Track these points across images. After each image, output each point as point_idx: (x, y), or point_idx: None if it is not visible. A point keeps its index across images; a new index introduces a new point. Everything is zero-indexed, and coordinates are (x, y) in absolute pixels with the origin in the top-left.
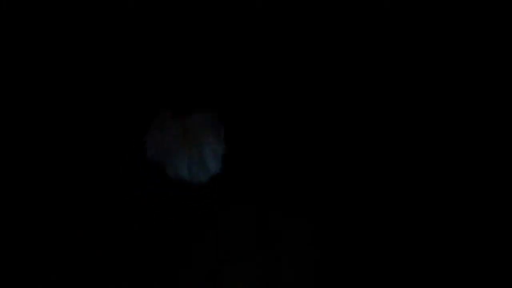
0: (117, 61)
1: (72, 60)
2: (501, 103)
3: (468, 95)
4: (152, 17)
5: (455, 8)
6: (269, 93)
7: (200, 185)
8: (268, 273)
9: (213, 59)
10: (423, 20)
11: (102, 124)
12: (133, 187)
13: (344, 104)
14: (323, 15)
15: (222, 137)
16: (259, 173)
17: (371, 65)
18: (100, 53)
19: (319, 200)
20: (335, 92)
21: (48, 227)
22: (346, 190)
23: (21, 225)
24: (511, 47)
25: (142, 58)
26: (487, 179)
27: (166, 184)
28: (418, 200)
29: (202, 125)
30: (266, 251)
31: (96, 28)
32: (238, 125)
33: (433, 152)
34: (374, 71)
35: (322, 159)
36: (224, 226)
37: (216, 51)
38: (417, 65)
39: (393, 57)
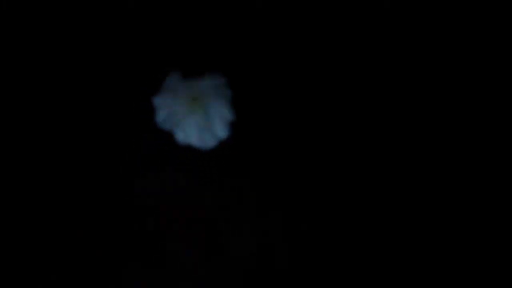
0: (126, 21)
1: (79, 22)
2: (501, 103)
3: (468, 95)
4: None
5: (455, 8)
6: (279, 61)
7: (208, 151)
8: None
9: (223, 23)
10: (423, 20)
11: (111, 87)
12: (142, 152)
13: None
14: None
15: (231, 103)
16: (265, 140)
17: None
18: (107, 14)
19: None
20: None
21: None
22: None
23: (20, 222)
24: (511, 47)
25: (151, 20)
26: (487, 180)
27: (175, 149)
28: (416, 203)
29: (211, 91)
30: (264, 219)
31: None
32: (246, 92)
33: (432, 155)
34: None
35: (329, 126)
36: (227, 191)
37: (227, 14)
38: (417, 65)
39: (393, 57)
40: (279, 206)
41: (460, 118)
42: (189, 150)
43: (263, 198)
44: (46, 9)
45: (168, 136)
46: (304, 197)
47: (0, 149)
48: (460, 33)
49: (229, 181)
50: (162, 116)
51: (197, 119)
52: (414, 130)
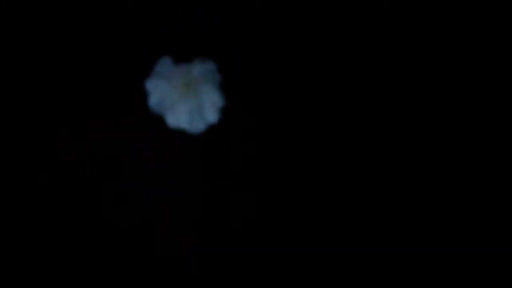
0: (119, 6)
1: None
2: (501, 103)
3: (468, 95)
4: None
5: (455, 8)
6: (268, 47)
7: (197, 135)
8: None
9: (213, 8)
10: (423, 20)
11: (103, 70)
12: (134, 135)
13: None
14: None
15: (221, 89)
16: (253, 125)
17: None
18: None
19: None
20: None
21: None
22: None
23: (17, 222)
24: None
25: (143, 5)
26: (487, 180)
27: (166, 132)
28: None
29: (203, 76)
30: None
31: None
32: (237, 78)
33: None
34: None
35: (319, 118)
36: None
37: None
38: (418, 65)
39: (393, 57)
40: (267, 192)
41: (460, 118)
42: (179, 133)
43: (253, 185)
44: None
45: (159, 120)
46: (291, 183)
47: None
48: (460, 33)
49: (217, 166)
50: (154, 100)
51: (188, 105)
52: (408, 128)
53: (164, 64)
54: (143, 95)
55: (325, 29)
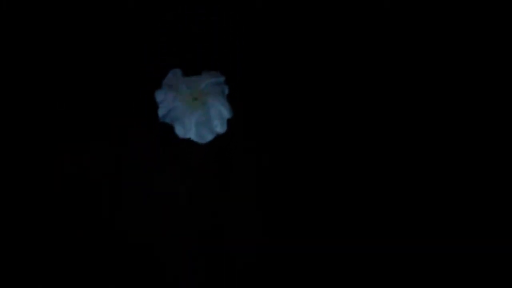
0: (130, 20)
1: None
2: (501, 104)
3: (468, 95)
4: None
5: (455, 8)
6: (275, 59)
7: (205, 144)
8: None
9: (221, 21)
10: (423, 20)
11: (115, 82)
12: (144, 146)
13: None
14: None
15: (228, 100)
16: (259, 136)
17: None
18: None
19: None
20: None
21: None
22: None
23: (19, 223)
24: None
25: (153, 18)
26: (487, 181)
27: (175, 142)
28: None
29: (211, 89)
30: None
31: None
32: (244, 90)
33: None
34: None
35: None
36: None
37: (225, 13)
38: (418, 65)
39: (393, 57)
40: (273, 202)
41: (460, 118)
42: (187, 143)
43: (259, 199)
44: (46, 9)
45: (168, 129)
46: (290, 188)
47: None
48: (460, 33)
49: (224, 175)
50: (163, 111)
51: (196, 116)
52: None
53: (174, 76)
54: (153, 106)
55: (330, 43)
